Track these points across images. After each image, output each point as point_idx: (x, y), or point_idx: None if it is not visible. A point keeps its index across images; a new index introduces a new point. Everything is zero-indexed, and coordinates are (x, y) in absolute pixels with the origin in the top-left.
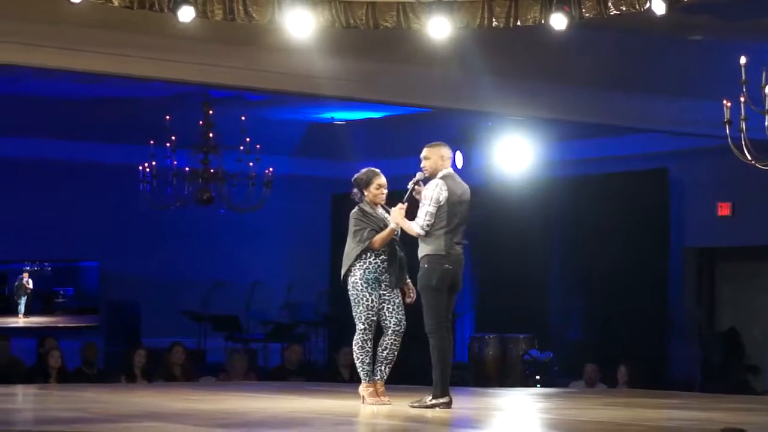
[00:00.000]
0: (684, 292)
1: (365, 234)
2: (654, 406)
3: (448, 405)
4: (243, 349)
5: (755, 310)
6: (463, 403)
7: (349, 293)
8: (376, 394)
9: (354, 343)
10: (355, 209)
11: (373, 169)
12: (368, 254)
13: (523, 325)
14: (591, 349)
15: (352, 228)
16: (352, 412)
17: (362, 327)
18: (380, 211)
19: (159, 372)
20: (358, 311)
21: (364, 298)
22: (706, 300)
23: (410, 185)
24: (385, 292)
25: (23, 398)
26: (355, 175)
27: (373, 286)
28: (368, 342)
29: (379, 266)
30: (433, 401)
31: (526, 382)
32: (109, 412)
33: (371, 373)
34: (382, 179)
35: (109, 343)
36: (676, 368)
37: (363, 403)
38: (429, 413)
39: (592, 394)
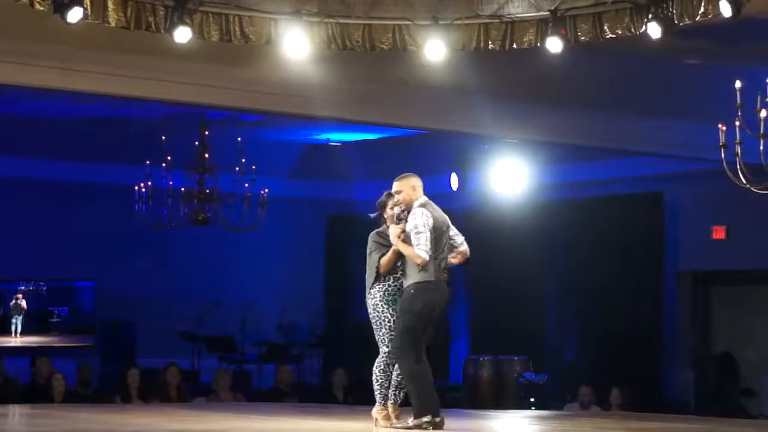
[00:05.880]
0: (678, 316)
1: (376, 257)
2: (648, 429)
3: (435, 425)
4: (228, 368)
5: (749, 334)
6: (458, 424)
7: (371, 316)
8: (390, 417)
9: (376, 365)
10: (373, 232)
11: (391, 192)
12: (387, 276)
13: (518, 348)
14: (585, 372)
15: (368, 251)
16: None
17: (386, 350)
18: None
19: (154, 392)
20: (381, 334)
21: (386, 320)
22: (700, 323)
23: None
24: None
25: (18, 419)
26: (379, 199)
27: (394, 307)
28: (390, 366)
29: (399, 288)
30: (415, 421)
31: (521, 404)
32: None
33: (387, 398)
34: None
35: (104, 363)
36: (670, 391)
37: (376, 425)
38: None
39: (587, 416)
